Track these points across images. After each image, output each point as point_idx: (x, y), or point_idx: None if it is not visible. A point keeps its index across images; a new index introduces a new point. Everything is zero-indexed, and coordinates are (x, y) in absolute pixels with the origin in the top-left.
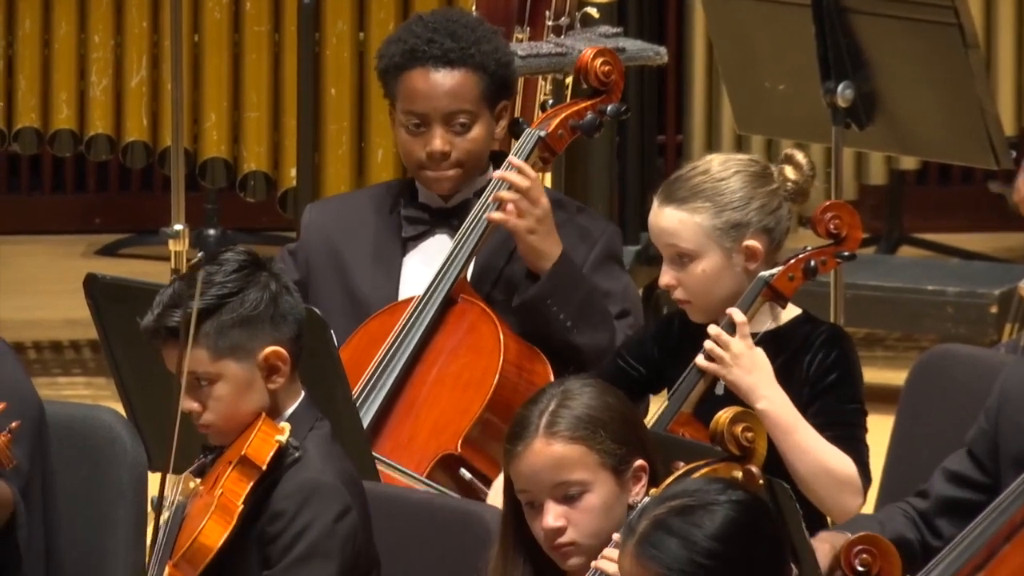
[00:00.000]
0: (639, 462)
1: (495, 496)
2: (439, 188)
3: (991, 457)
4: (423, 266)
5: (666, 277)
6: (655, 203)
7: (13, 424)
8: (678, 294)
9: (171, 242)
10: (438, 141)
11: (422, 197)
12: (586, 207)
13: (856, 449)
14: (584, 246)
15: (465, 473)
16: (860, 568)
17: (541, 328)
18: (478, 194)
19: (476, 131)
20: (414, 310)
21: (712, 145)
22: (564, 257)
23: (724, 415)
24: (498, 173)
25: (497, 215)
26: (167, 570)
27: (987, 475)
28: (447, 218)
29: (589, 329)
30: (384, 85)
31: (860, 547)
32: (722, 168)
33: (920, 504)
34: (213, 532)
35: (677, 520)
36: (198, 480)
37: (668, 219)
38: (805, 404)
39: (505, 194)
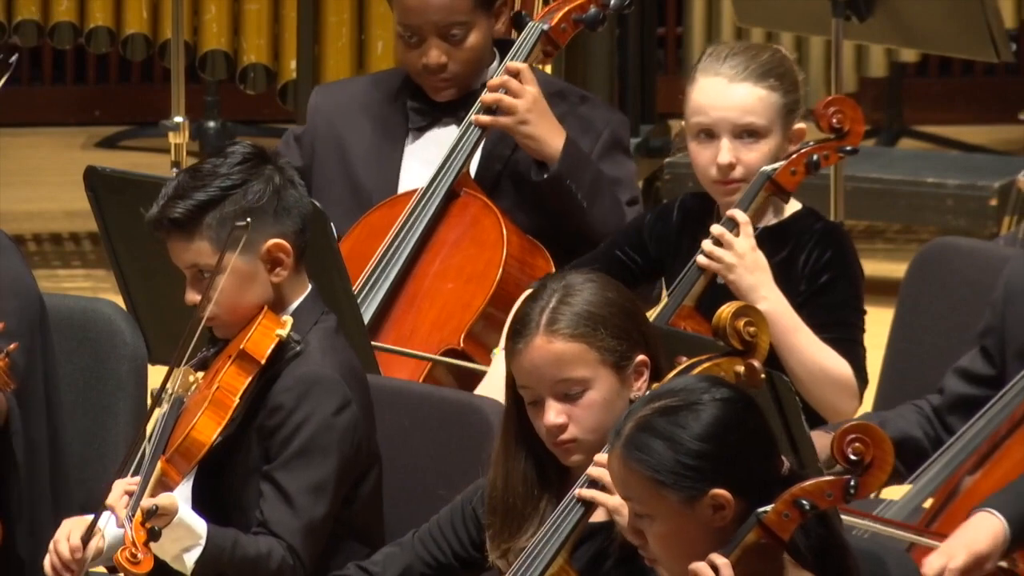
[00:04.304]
0: (640, 357)
1: (487, 389)
2: (441, 97)
3: (999, 352)
4: (430, 157)
5: (730, 155)
6: (718, 78)
7: (12, 346)
8: (737, 173)
9: (171, 134)
10: (434, 53)
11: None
12: (591, 96)
13: (853, 351)
14: (587, 137)
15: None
16: (853, 456)
17: (558, 208)
18: (484, 85)
19: (472, 39)
20: (417, 203)
21: (712, 38)
22: (571, 139)
23: (726, 309)
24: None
25: (484, 118)
26: (160, 465)
27: (996, 370)
28: (454, 109)
29: (601, 211)
30: None
31: (853, 436)
32: (780, 52)
33: (936, 401)
34: (206, 427)
35: (662, 421)
36: (199, 374)
37: (744, 95)
38: (801, 303)
39: (486, 97)
